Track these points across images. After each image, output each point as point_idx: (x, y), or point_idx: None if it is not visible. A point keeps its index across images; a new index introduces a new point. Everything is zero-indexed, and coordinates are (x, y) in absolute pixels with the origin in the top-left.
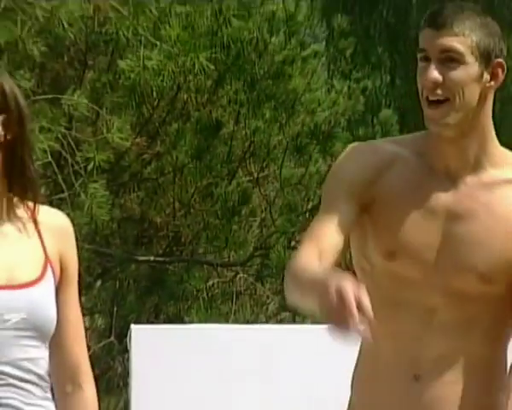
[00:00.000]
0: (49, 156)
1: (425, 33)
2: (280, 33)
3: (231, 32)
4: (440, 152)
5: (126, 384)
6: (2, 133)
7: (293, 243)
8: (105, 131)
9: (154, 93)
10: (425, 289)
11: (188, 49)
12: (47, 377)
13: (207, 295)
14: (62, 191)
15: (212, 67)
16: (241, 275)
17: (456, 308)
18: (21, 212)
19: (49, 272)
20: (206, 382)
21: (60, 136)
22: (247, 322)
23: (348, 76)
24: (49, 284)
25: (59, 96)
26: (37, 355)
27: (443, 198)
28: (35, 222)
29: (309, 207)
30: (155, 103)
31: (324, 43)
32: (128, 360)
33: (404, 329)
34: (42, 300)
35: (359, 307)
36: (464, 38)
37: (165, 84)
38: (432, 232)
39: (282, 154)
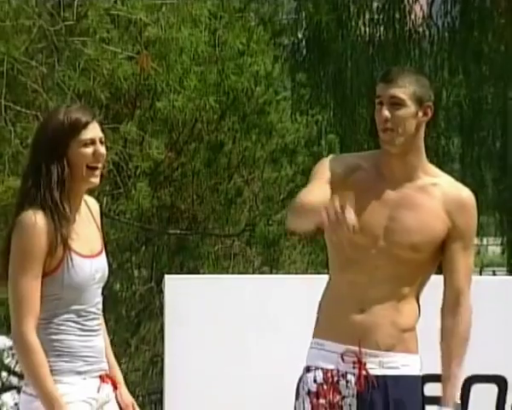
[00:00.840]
0: (112, 165)
1: (380, 86)
2: (262, 85)
3: (230, 84)
4: (390, 165)
5: (162, 314)
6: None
7: (270, 222)
8: (147, 148)
9: (180, 124)
10: (374, 254)
11: (202, 94)
12: None
13: (214, 255)
14: (120, 188)
15: (217, 106)
16: (237, 242)
17: (394, 267)
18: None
19: (102, 243)
20: (222, 315)
21: (118, 151)
22: (240, 273)
23: (306, 113)
24: (104, 251)
25: (118, 125)
26: (101, 299)
27: (391, 195)
28: (89, 209)
29: (281, 198)
30: (181, 130)
31: (290, 91)
32: (163, 298)
33: (356, 278)
34: (106, 263)
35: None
36: (405, 88)
37: (187, 117)
38: (382, 217)
39: (263, 163)
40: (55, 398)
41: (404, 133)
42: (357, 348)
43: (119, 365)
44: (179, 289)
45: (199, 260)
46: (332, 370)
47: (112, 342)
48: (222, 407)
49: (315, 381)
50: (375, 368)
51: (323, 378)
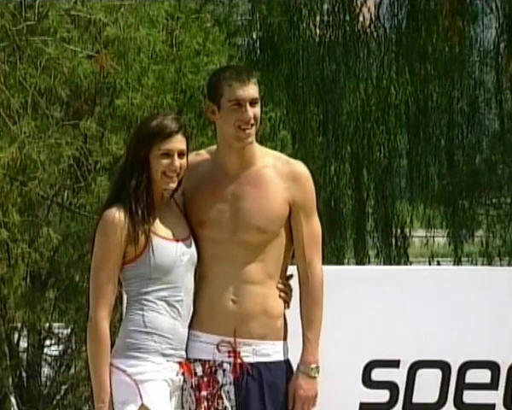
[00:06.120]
0: (72, 160)
1: (236, 87)
2: None
3: (187, 82)
4: (230, 160)
5: (121, 303)
6: None
7: None
8: (107, 144)
9: (138, 120)
10: (227, 246)
11: (159, 92)
12: None
13: None
14: (80, 182)
15: (175, 104)
16: None
17: (249, 254)
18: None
19: (190, 231)
20: None
21: (79, 147)
22: None
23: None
24: (192, 238)
25: (78, 122)
26: (192, 285)
27: (229, 187)
28: (176, 202)
29: None
30: None
31: None
32: (122, 287)
33: (221, 272)
34: (193, 248)
35: None
36: (256, 86)
37: (145, 114)
38: (224, 209)
39: None
40: (103, 390)
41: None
42: (231, 339)
43: (80, 352)
44: None
45: None
46: (209, 361)
47: (72, 331)
48: None
49: (195, 374)
50: (248, 356)
51: (203, 371)
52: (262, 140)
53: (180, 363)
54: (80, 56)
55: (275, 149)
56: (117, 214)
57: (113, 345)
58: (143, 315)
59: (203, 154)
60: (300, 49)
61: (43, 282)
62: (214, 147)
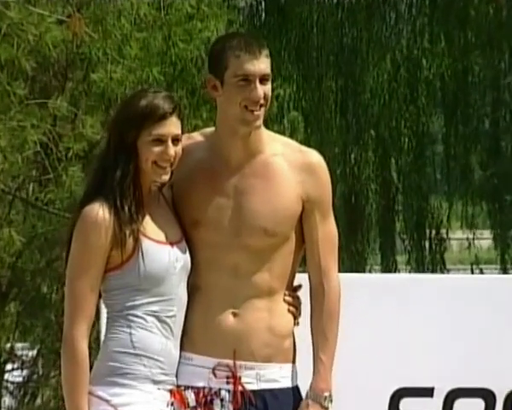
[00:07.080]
0: (39, 147)
1: (245, 60)
2: None
3: (177, 52)
4: (229, 146)
5: (98, 318)
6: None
7: None
8: (81, 127)
9: (119, 98)
10: (227, 251)
11: (144, 64)
12: None
13: None
14: (49, 173)
15: (162, 78)
16: None
17: (253, 261)
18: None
19: (182, 232)
20: None
21: (47, 131)
22: None
23: None
24: (184, 240)
25: (46, 100)
26: (185, 296)
27: (231, 180)
28: (165, 198)
29: None
30: None
31: None
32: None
33: (219, 281)
34: (187, 252)
35: None
36: (268, 59)
37: (126, 91)
38: (225, 206)
39: None
40: None
41: (266, 110)
42: (230, 361)
43: (48, 378)
44: None
45: None
46: (204, 388)
47: (39, 352)
48: None
49: (188, 405)
50: (251, 382)
51: (196, 400)
52: (268, 123)
53: (171, 391)
54: (48, 21)
55: (283, 133)
56: (100, 212)
57: (90, 369)
58: (131, 334)
59: (196, 137)
60: (314, 13)
61: (3, 293)
62: (210, 129)
